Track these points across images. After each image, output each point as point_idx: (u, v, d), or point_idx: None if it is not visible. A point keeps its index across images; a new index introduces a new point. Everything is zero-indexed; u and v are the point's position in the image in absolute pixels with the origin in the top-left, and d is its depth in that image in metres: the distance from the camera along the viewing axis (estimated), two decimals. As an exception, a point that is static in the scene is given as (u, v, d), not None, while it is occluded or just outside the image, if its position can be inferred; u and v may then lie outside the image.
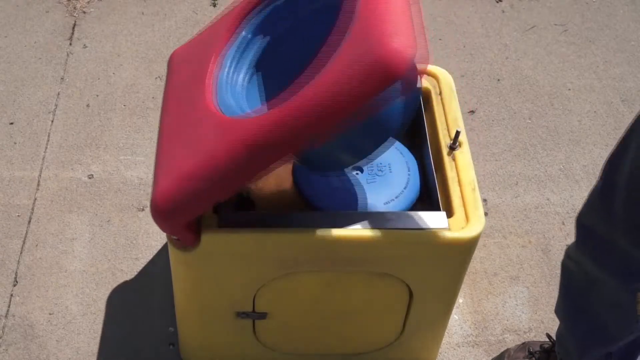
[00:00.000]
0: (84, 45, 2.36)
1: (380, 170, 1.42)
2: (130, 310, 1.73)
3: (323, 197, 1.36)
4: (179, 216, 1.17)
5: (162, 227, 1.21)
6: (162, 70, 2.09)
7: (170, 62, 1.39)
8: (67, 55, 2.34)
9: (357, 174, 1.41)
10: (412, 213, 1.30)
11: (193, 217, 1.20)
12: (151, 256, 1.83)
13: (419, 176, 1.43)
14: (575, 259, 1.37)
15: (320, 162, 1.22)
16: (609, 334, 1.36)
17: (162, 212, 1.15)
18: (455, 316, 1.75)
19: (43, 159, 2.03)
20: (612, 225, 1.23)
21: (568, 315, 1.45)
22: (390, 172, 1.42)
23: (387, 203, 1.37)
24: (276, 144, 1.06)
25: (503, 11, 2.61)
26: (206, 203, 1.17)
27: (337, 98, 1.01)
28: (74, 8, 2.47)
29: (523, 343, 1.67)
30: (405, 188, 1.40)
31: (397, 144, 1.47)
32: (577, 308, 1.41)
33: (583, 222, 1.33)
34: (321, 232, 1.25)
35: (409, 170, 1.43)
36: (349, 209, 1.35)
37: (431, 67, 1.51)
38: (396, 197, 1.38)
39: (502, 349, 1.70)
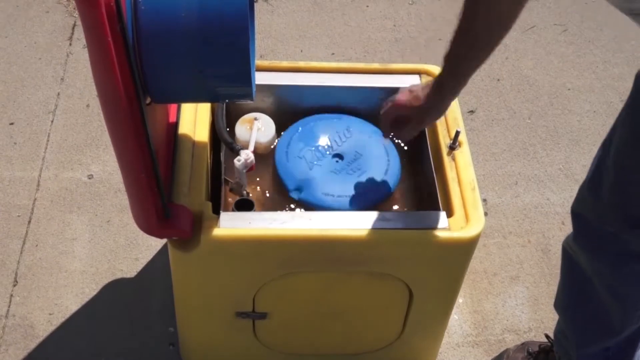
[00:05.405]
0: (84, 45, 2.35)
1: (360, 156, 1.43)
2: (130, 310, 1.73)
3: (306, 188, 1.37)
4: (157, 225, 1.19)
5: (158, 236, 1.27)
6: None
7: None
8: (67, 55, 2.34)
9: (337, 161, 1.42)
10: (412, 213, 1.30)
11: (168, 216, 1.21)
12: (151, 256, 1.83)
13: (398, 160, 1.44)
14: (575, 250, 1.37)
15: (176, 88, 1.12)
16: (610, 326, 1.36)
17: (145, 231, 1.21)
18: (455, 316, 1.75)
19: (43, 159, 2.03)
20: (602, 210, 1.25)
21: (569, 305, 1.45)
22: (370, 158, 1.43)
23: (371, 189, 1.38)
24: None
25: (503, 11, 2.61)
26: (155, 197, 1.17)
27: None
28: (74, 8, 2.47)
29: (522, 343, 1.67)
30: (385, 173, 1.41)
31: (374, 129, 1.47)
32: (578, 298, 1.41)
33: (575, 211, 1.34)
34: (321, 232, 1.25)
35: (387, 155, 1.43)
36: (334, 198, 1.35)
37: (431, 67, 1.51)
38: (379, 182, 1.39)
39: (502, 349, 1.70)
